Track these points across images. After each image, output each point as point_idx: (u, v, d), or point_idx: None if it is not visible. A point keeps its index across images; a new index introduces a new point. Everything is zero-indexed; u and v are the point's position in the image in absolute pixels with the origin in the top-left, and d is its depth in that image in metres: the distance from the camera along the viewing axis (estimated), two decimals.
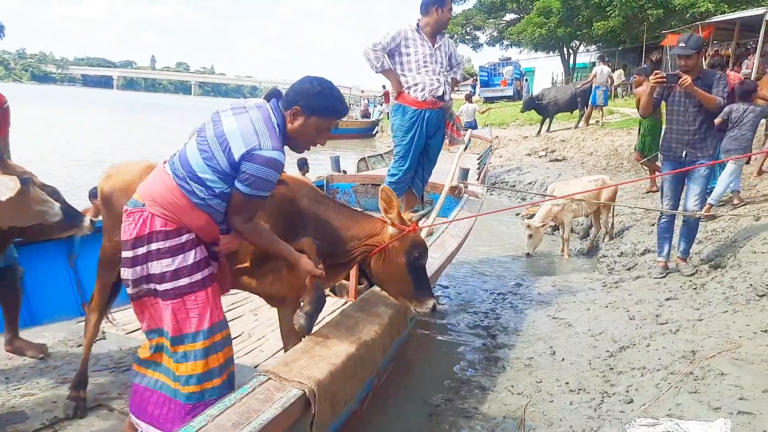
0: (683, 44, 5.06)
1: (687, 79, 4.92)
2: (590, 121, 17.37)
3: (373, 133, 31.63)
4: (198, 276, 2.38)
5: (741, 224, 6.05)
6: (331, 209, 2.93)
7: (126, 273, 2.38)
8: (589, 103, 17.22)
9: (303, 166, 9.91)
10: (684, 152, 5.26)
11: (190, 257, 2.38)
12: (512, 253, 7.99)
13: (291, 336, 3.07)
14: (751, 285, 4.71)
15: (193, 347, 2.33)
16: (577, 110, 17.78)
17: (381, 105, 33.42)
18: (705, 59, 19.09)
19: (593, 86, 17.12)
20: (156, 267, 2.34)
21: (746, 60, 18.95)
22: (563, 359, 4.17)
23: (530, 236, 7.48)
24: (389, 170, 5.19)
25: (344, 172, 7.56)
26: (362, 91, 39.93)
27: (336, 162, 7.22)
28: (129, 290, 2.41)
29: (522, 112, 19.08)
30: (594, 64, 33.75)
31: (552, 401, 3.55)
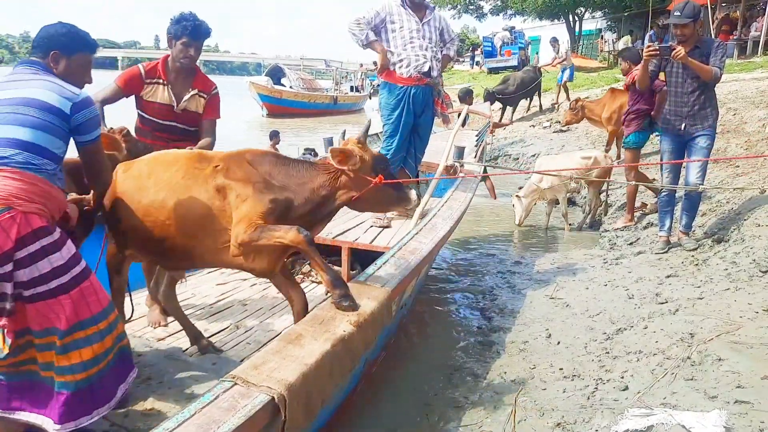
0: (678, 12, 4.87)
1: (680, 50, 4.73)
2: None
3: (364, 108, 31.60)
4: (82, 265, 2.36)
5: (745, 196, 5.87)
6: (293, 167, 2.98)
7: (6, 287, 2.17)
8: (565, 81, 16.54)
9: (275, 136, 9.76)
10: (683, 125, 5.09)
11: (72, 247, 2.34)
12: (513, 229, 7.86)
13: (296, 299, 3.09)
14: (754, 260, 4.57)
15: (86, 333, 2.31)
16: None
17: (374, 81, 33.46)
18: (713, 23, 18.72)
19: (570, 66, 16.60)
20: (44, 265, 2.20)
21: (755, 23, 18.51)
22: (559, 343, 4.06)
23: (513, 205, 7.66)
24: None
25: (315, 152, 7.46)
26: (361, 65, 39.36)
27: (329, 143, 7.06)
28: (27, 292, 2.21)
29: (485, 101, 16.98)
30: (600, 31, 33.28)
31: (545, 389, 3.44)
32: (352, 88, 36.10)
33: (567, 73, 16.45)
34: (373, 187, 2.90)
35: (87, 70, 2.70)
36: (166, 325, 3.92)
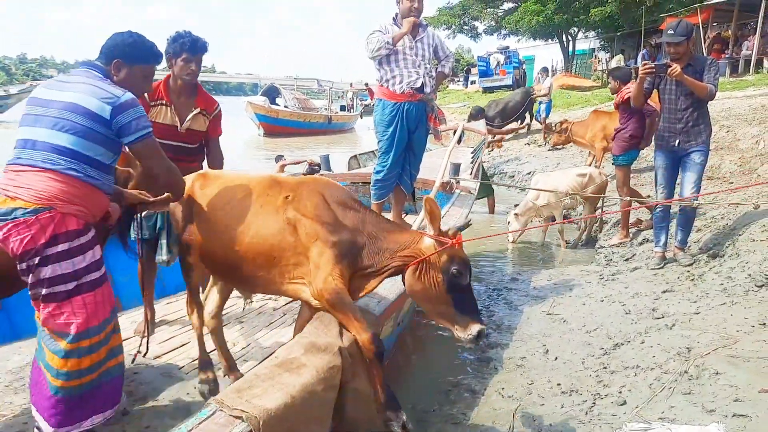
0: (671, 31, 4.93)
1: (676, 68, 4.78)
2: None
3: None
4: (101, 271, 2.50)
5: (740, 211, 5.90)
6: (363, 214, 2.80)
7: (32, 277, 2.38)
8: (543, 117, 15.87)
9: (279, 159, 9.89)
10: (677, 141, 5.13)
11: (98, 253, 2.49)
12: (509, 246, 7.86)
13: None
14: (749, 275, 4.58)
15: (90, 342, 2.41)
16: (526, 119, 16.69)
17: (365, 100, 33.85)
18: (705, 42, 18.93)
19: (548, 101, 15.95)
20: (67, 266, 2.37)
21: (746, 41, 18.73)
22: (556, 358, 4.05)
23: (509, 223, 7.63)
24: (375, 167, 5.07)
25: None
26: (351, 84, 39.52)
27: (326, 161, 7.11)
28: (44, 291, 2.38)
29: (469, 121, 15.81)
30: (593, 50, 33.61)
31: (543, 404, 3.43)
32: (342, 108, 36.30)
33: (543, 107, 15.92)
34: (432, 282, 2.59)
35: (147, 81, 2.79)
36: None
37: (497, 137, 12.56)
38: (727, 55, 18.92)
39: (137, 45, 2.67)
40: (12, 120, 27.29)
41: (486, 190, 8.65)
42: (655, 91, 5.39)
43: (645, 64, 5.09)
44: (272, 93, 30.30)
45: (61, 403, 2.40)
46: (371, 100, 30.88)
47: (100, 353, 2.46)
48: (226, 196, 2.93)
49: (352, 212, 2.76)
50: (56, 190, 2.35)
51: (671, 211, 5.69)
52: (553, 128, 11.65)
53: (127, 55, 2.63)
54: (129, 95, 2.50)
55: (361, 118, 32.21)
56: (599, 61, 29.56)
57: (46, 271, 2.34)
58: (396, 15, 4.74)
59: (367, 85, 35.02)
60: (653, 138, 5.67)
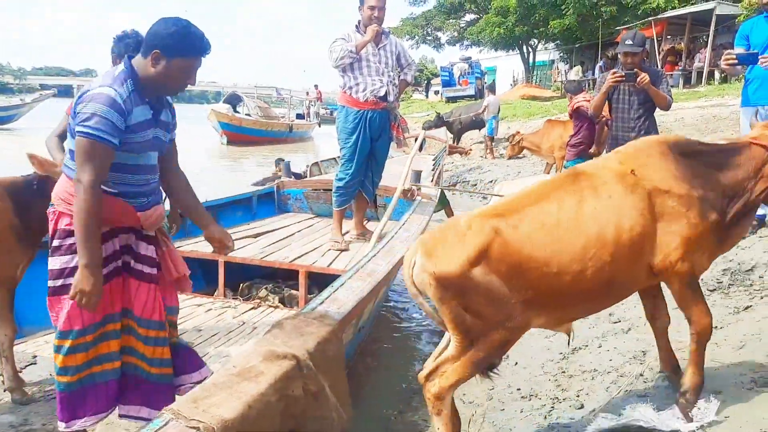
0: (630, 41, 5.04)
1: (645, 77, 4.91)
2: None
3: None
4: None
5: None
6: (709, 154, 2.56)
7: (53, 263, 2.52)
8: (487, 135, 15.72)
9: (278, 163, 9.98)
10: None
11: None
12: None
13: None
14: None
15: (62, 342, 2.46)
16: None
17: (314, 105, 33.83)
18: (659, 54, 19.49)
19: (489, 117, 15.58)
20: (55, 262, 2.47)
21: (698, 54, 19.33)
22: (516, 363, 4.08)
23: None
24: (337, 174, 5.07)
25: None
26: (307, 93, 39.06)
27: (287, 167, 7.06)
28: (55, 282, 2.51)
29: (425, 129, 14.21)
30: (553, 61, 34.30)
31: (503, 410, 3.46)
32: (298, 116, 36.12)
33: (486, 127, 15.73)
34: None
35: (188, 75, 2.49)
36: None
37: (458, 149, 12.75)
38: (680, 68, 19.52)
39: (178, 36, 2.38)
40: (24, 128, 26.36)
41: (442, 202, 8.71)
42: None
43: (614, 73, 5.17)
44: (234, 100, 29.98)
45: (64, 399, 2.50)
46: (320, 102, 30.91)
47: (88, 354, 2.51)
48: (558, 212, 2.46)
49: (705, 159, 2.52)
50: (60, 190, 2.49)
51: None
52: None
53: (167, 47, 2.37)
54: (97, 90, 2.32)
55: (319, 126, 32.17)
56: (559, 72, 30.21)
57: (51, 262, 2.49)
58: (358, 22, 4.75)
59: (316, 87, 34.82)
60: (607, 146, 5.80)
